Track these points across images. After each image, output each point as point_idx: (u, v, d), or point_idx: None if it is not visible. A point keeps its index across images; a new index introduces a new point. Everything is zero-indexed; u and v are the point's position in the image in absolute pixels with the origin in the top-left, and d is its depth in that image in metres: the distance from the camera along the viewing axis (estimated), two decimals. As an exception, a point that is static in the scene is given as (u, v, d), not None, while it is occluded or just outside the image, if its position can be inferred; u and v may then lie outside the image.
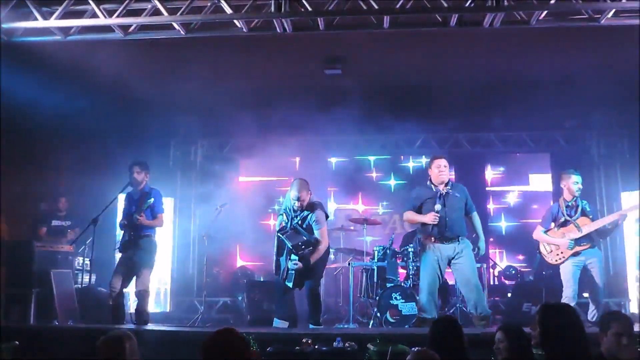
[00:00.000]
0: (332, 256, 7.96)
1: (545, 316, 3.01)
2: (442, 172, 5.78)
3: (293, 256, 5.57)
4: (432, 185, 5.84)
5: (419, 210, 5.82)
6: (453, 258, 5.66)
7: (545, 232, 6.08)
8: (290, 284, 5.61)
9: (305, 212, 5.75)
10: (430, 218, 5.64)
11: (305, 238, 5.62)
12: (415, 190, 6.09)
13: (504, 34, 6.27)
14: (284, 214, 5.91)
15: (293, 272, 5.56)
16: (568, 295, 5.74)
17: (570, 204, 5.97)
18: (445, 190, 5.75)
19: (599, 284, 5.81)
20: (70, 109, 7.33)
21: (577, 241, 5.84)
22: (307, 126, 8.75)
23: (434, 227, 5.67)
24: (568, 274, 5.83)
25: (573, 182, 5.94)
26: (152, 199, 6.18)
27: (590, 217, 5.91)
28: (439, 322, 3.49)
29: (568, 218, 5.92)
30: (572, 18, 5.91)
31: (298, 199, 5.68)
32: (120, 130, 8.30)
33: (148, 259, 6.23)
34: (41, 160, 8.13)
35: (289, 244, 5.58)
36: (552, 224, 6.09)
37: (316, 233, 5.67)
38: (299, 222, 5.74)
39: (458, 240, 5.67)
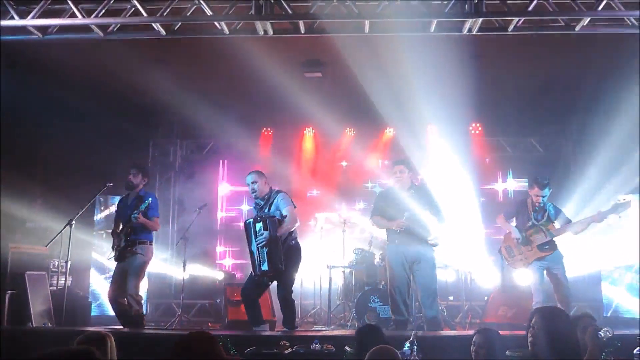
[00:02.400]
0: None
1: (549, 321, 2.99)
2: (397, 177, 5.82)
3: (258, 225, 5.39)
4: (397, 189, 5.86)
5: (384, 213, 5.81)
6: (415, 261, 5.66)
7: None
8: (265, 267, 5.33)
9: (270, 199, 5.60)
10: (397, 224, 5.66)
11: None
12: (382, 193, 6.10)
13: (482, 40, 6.35)
14: (254, 209, 5.81)
15: (263, 241, 5.27)
16: (538, 301, 5.68)
17: (537, 208, 6.00)
18: (408, 195, 5.75)
19: (565, 284, 5.83)
20: (47, 108, 7.24)
21: (541, 246, 5.87)
22: (287, 126, 8.75)
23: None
24: (535, 280, 5.84)
25: (535, 195, 5.95)
26: (149, 201, 5.87)
27: (554, 222, 5.96)
28: (362, 330, 3.62)
29: (535, 222, 5.97)
30: (549, 26, 6.01)
31: (252, 188, 5.59)
32: (97, 129, 8.19)
33: (141, 265, 5.96)
34: (16, 160, 7.99)
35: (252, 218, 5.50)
36: (514, 219, 6.15)
37: (284, 211, 5.48)
38: (267, 210, 5.60)
39: (420, 244, 5.65)
